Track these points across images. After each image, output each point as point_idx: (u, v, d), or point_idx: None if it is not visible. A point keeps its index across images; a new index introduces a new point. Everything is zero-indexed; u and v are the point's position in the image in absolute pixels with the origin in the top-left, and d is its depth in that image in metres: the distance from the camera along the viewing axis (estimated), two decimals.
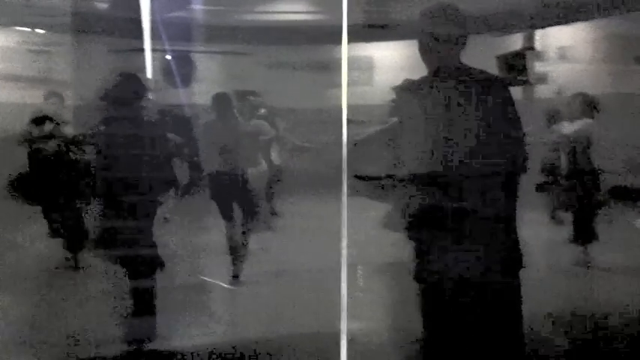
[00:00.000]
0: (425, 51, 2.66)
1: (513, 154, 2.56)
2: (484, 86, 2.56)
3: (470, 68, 2.62)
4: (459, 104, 2.51)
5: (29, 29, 10.01)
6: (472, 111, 2.50)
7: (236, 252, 5.24)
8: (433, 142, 2.53)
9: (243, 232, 5.31)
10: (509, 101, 2.57)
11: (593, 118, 5.55)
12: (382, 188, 3.32)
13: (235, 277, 5.19)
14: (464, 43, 2.63)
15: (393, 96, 3.44)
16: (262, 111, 6.88)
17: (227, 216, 5.24)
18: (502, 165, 2.53)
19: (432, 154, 2.54)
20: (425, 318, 2.72)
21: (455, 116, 2.51)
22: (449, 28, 2.60)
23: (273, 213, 7.59)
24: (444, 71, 2.61)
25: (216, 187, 5.23)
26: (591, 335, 3.95)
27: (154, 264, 3.80)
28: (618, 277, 5.22)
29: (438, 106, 2.53)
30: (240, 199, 5.27)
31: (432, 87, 2.61)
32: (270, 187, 7.15)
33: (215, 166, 5.20)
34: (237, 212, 5.29)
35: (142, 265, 3.73)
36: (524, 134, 2.61)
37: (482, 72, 2.62)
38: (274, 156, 7.30)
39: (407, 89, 2.69)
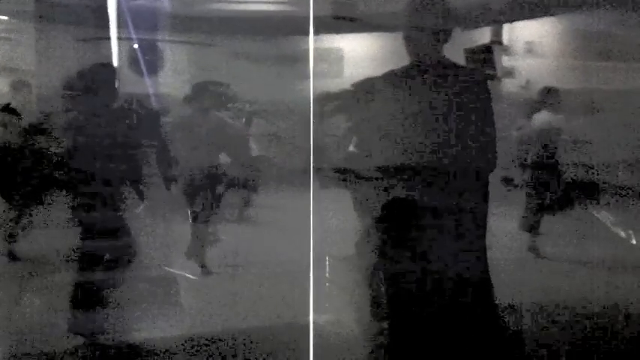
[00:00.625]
0: (408, 42, 2.65)
1: (487, 150, 2.57)
2: (464, 81, 2.57)
3: (452, 62, 2.62)
4: (436, 97, 2.52)
5: None
6: (450, 105, 2.51)
7: (201, 242, 5.24)
8: (407, 133, 2.53)
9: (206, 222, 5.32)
10: (487, 98, 2.58)
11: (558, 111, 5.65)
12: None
13: (203, 268, 5.19)
14: (447, 37, 2.63)
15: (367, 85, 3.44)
16: (231, 104, 6.83)
17: (198, 206, 5.22)
18: (476, 160, 2.55)
19: (405, 145, 2.55)
20: (390, 307, 2.76)
21: (432, 108, 2.51)
22: (434, 20, 2.60)
23: (247, 203, 7.57)
24: (425, 63, 2.61)
25: (191, 178, 5.19)
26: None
27: (126, 255, 3.75)
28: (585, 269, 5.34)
29: (416, 97, 2.53)
30: (212, 190, 5.25)
31: (411, 78, 2.60)
32: (252, 180, 7.15)
33: (192, 158, 5.15)
34: (207, 203, 5.27)
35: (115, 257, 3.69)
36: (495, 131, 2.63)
37: (463, 67, 2.63)
38: (253, 147, 7.29)
39: (387, 79, 2.68)
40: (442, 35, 2.61)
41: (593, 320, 3.93)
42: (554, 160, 5.64)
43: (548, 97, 5.71)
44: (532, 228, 5.75)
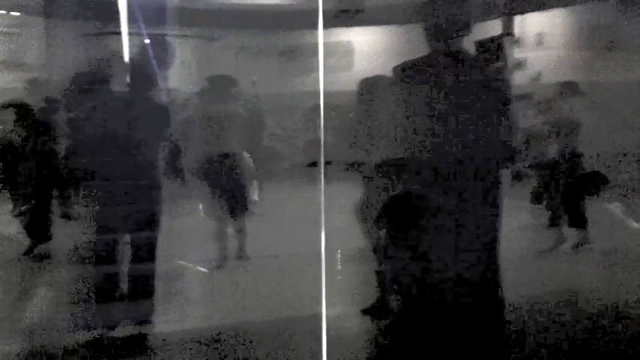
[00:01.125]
0: (427, 33, 2.64)
1: (503, 142, 2.55)
2: (481, 73, 2.55)
3: (469, 54, 2.61)
4: (454, 89, 2.50)
5: (4, 12, 9.74)
6: (467, 97, 2.50)
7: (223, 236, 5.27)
8: (423, 125, 2.52)
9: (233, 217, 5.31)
10: (505, 91, 2.56)
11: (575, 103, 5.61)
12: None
13: (222, 260, 5.23)
14: (467, 29, 2.62)
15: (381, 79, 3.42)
16: (241, 101, 6.82)
17: (216, 201, 5.24)
18: (491, 152, 2.53)
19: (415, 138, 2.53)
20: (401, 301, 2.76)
21: (449, 101, 2.50)
22: (452, 13, 2.58)
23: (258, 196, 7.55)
24: (442, 55, 2.59)
25: (208, 172, 5.19)
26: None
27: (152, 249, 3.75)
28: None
29: (432, 88, 2.52)
30: (229, 185, 5.25)
31: (428, 69, 2.59)
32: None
33: (202, 152, 5.15)
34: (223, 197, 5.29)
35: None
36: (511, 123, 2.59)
37: (478, 59, 2.60)
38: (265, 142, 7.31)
39: (405, 69, 2.66)
40: (461, 27, 2.60)
41: (593, 320, 3.91)
42: (568, 153, 5.56)
43: (566, 90, 5.64)
44: (554, 220, 5.71)
